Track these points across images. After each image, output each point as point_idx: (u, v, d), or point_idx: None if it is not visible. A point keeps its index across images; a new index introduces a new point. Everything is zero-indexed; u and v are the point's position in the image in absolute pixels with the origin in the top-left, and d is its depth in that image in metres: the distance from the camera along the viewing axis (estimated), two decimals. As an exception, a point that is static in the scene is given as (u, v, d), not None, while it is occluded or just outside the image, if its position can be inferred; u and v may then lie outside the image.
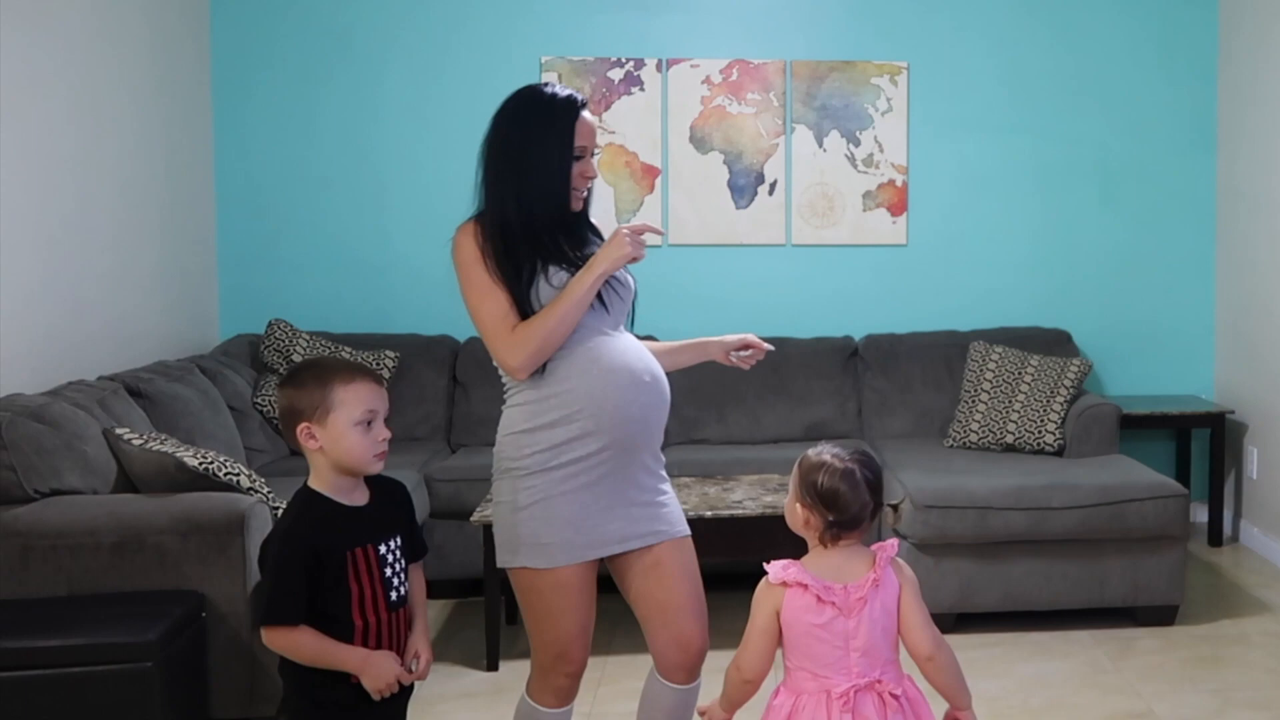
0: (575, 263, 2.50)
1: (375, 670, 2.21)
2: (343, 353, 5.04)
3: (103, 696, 2.94)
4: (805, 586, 2.16)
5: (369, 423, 2.23)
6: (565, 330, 2.42)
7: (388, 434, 2.28)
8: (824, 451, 2.25)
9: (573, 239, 2.56)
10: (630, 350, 2.54)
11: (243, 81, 5.42)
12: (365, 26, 5.47)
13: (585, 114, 2.54)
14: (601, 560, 2.55)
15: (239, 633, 3.36)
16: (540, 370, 2.45)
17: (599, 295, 2.48)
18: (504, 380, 2.54)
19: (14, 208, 3.81)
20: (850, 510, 2.19)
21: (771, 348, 2.81)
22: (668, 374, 2.64)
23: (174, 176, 5.03)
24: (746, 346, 2.78)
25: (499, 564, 2.53)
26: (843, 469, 2.20)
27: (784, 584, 2.18)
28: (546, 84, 2.58)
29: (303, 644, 2.18)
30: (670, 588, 2.56)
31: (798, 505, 2.24)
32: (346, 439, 2.21)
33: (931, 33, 5.63)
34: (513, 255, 2.45)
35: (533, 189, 2.48)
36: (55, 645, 2.96)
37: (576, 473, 2.45)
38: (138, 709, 2.97)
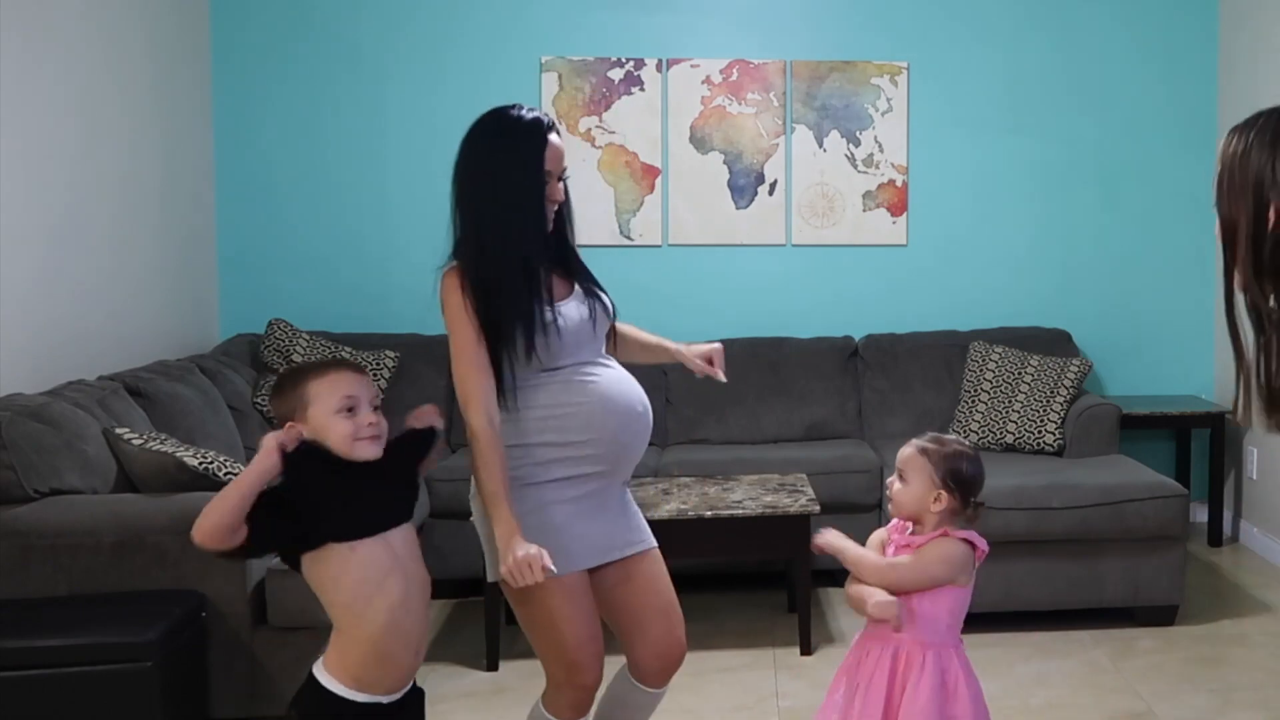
0: (586, 292, 2.56)
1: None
2: (343, 352, 5.04)
3: (103, 696, 2.95)
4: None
5: (350, 409, 2.21)
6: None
7: (373, 419, 2.23)
8: (950, 441, 2.54)
9: (567, 266, 2.57)
10: (626, 381, 2.57)
11: (243, 81, 5.42)
12: (365, 26, 5.47)
13: (552, 137, 2.48)
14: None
15: (239, 633, 3.37)
16: (543, 397, 2.46)
17: (592, 319, 2.53)
18: (510, 400, 2.47)
19: (14, 207, 3.81)
20: (980, 488, 2.56)
21: (724, 380, 2.80)
22: (624, 364, 2.67)
23: (174, 176, 5.02)
24: (710, 359, 2.77)
25: (490, 578, 2.51)
26: (975, 455, 2.54)
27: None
28: (512, 106, 2.50)
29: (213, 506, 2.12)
30: (651, 597, 2.60)
31: (936, 490, 2.49)
32: (329, 428, 2.19)
33: (931, 33, 5.63)
34: (495, 305, 2.40)
35: (508, 217, 2.42)
36: (55, 645, 2.96)
37: (563, 487, 2.47)
38: (138, 709, 2.97)
